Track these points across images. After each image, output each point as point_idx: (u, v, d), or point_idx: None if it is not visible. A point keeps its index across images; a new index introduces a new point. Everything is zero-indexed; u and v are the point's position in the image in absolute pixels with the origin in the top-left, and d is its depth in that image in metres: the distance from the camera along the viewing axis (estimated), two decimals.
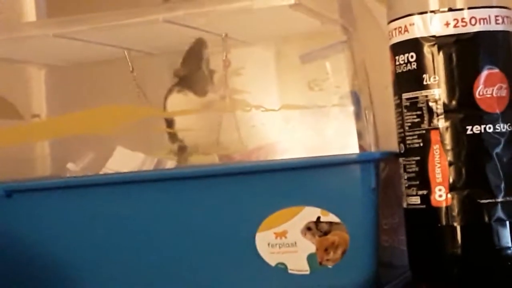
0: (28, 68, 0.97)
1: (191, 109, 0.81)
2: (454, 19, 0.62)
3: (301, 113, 0.76)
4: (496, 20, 0.63)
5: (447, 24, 0.63)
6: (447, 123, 0.63)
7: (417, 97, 0.64)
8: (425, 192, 0.63)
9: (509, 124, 0.63)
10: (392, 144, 0.68)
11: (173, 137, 0.84)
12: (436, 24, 0.63)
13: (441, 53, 0.63)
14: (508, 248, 0.62)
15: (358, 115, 0.73)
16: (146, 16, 0.77)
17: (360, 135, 0.71)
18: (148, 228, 0.71)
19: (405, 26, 0.64)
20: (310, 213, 0.66)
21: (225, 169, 0.71)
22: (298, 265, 0.67)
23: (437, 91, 0.63)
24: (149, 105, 0.87)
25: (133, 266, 0.71)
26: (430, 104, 0.63)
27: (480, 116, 0.62)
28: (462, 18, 0.62)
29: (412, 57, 0.64)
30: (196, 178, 0.69)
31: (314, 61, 0.82)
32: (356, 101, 0.74)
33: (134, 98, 0.89)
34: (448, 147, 0.63)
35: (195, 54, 0.82)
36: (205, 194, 0.69)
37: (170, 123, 0.84)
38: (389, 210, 0.69)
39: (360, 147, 0.70)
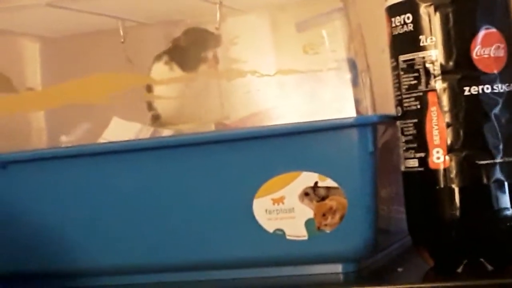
0: (22, 40, 0.96)
1: (180, 76, 0.81)
2: None
3: (296, 78, 0.75)
4: None
5: None
6: (445, 85, 0.62)
7: (413, 59, 0.63)
8: (423, 154, 0.63)
9: (507, 84, 0.62)
10: (389, 108, 0.67)
11: (149, 105, 0.83)
12: None
13: (437, 13, 0.62)
14: (507, 209, 0.62)
15: (354, 81, 0.73)
16: None
17: (357, 99, 0.71)
18: (144, 196, 0.70)
19: None
20: (308, 178, 0.66)
21: (221, 135, 0.70)
22: (296, 231, 0.66)
23: (434, 52, 0.62)
24: (140, 73, 0.86)
25: (129, 234, 0.71)
26: (427, 65, 0.62)
27: (478, 77, 0.62)
28: None
29: (408, 18, 0.63)
30: (192, 145, 0.69)
31: (310, 28, 0.81)
32: (353, 66, 0.74)
33: (128, 68, 0.88)
34: (446, 108, 0.62)
35: (200, 39, 0.82)
36: (201, 161, 0.68)
37: (149, 89, 0.83)
38: (388, 176, 0.69)
39: (357, 111, 0.69)
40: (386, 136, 0.67)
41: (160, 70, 0.82)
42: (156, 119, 0.80)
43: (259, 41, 0.85)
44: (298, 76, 0.76)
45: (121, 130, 0.83)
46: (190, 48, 0.84)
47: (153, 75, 0.82)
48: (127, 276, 0.72)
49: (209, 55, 0.83)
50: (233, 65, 0.84)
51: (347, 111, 0.70)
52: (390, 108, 0.67)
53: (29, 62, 0.96)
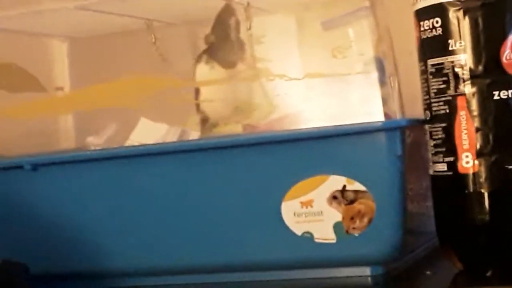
0: (51, 40, 0.97)
1: (215, 79, 0.81)
2: None
3: (324, 81, 0.75)
4: None
5: None
6: (474, 89, 0.62)
7: (442, 63, 0.63)
8: (452, 159, 0.63)
9: None
10: (417, 110, 0.67)
11: (197, 107, 0.84)
12: None
13: (467, 17, 0.62)
14: None
15: (382, 82, 0.73)
16: None
17: (385, 102, 0.71)
18: (173, 199, 0.71)
19: None
20: (336, 181, 0.66)
21: (250, 139, 0.70)
22: (324, 234, 0.67)
23: (463, 57, 0.62)
24: (174, 75, 0.87)
25: (158, 238, 0.71)
26: (456, 69, 0.62)
27: (507, 81, 0.61)
28: None
29: (437, 22, 0.63)
30: (221, 148, 0.69)
31: (337, 27, 0.81)
32: (381, 67, 0.74)
33: (157, 68, 0.89)
34: (475, 113, 0.62)
35: (222, 22, 0.82)
36: (230, 164, 0.69)
37: (196, 93, 0.84)
38: (415, 175, 0.69)
39: (385, 114, 0.69)
40: (414, 133, 0.67)
41: (202, 70, 0.82)
42: (204, 122, 0.81)
43: (286, 40, 0.85)
44: (326, 78, 0.76)
45: (148, 131, 0.83)
46: (221, 43, 0.84)
47: (199, 77, 0.82)
48: (156, 278, 0.73)
49: (243, 50, 0.83)
50: (260, 64, 0.84)
51: (375, 114, 0.70)
52: (418, 109, 0.67)
53: (58, 62, 0.97)
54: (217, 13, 0.81)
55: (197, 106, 0.84)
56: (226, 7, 0.81)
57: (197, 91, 0.84)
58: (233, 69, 0.83)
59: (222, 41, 0.82)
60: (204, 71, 0.82)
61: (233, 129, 0.79)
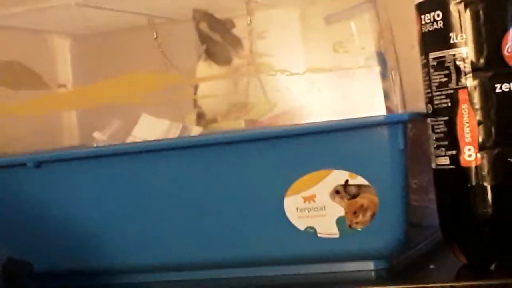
0: (53, 37, 0.97)
1: (215, 75, 0.81)
2: None
3: (326, 75, 0.75)
4: None
5: None
6: (475, 82, 0.62)
7: (444, 56, 0.63)
8: (454, 152, 0.63)
9: None
10: (419, 104, 0.67)
11: (194, 103, 0.84)
12: None
13: (468, 10, 0.62)
14: None
15: (384, 76, 0.73)
16: None
17: (386, 96, 0.71)
18: (176, 195, 0.71)
19: None
20: (338, 176, 0.66)
21: (252, 134, 0.70)
22: (327, 228, 0.67)
23: (464, 50, 0.62)
24: (175, 71, 0.87)
25: (161, 234, 0.72)
26: (458, 63, 0.62)
27: (509, 74, 0.61)
28: None
29: (438, 15, 0.63)
30: (224, 144, 0.69)
31: (339, 21, 0.81)
32: (382, 61, 0.73)
33: (159, 65, 0.89)
34: (477, 106, 0.62)
35: (216, 22, 0.82)
36: (232, 160, 0.69)
37: (195, 89, 0.84)
38: (418, 168, 0.68)
39: (387, 108, 0.69)
40: (416, 126, 0.67)
41: (201, 68, 0.82)
42: (200, 117, 0.81)
43: (288, 35, 0.85)
44: (328, 73, 0.75)
45: (150, 127, 0.83)
46: (215, 43, 0.84)
47: (198, 74, 0.82)
48: (161, 274, 0.73)
49: (240, 48, 0.83)
50: (261, 59, 0.84)
51: (377, 108, 0.70)
52: (420, 103, 0.67)
53: (60, 59, 0.97)
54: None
55: (195, 101, 0.84)
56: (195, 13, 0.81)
57: (195, 87, 0.84)
58: (230, 66, 0.83)
59: (215, 42, 0.82)
60: (203, 68, 0.82)
61: (235, 124, 0.79)
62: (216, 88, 0.83)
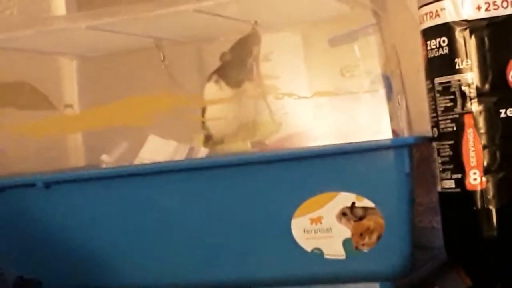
0: (60, 59, 0.98)
1: (223, 98, 0.82)
2: (486, 3, 0.62)
3: (332, 99, 0.76)
4: None
5: (479, 7, 0.62)
6: (481, 107, 0.63)
7: (449, 82, 0.64)
8: (459, 175, 0.64)
9: None
10: (425, 127, 0.68)
11: (202, 125, 0.84)
12: (467, 8, 0.63)
13: (473, 37, 0.63)
14: None
15: (390, 99, 0.73)
16: (176, 6, 0.78)
17: (392, 119, 0.71)
18: (184, 216, 0.72)
19: (436, 11, 0.64)
20: (345, 198, 0.67)
21: (260, 157, 0.71)
22: (334, 250, 0.68)
23: (469, 75, 0.63)
24: (182, 93, 0.88)
25: (168, 254, 0.72)
26: (463, 88, 0.63)
27: None
28: (494, 2, 0.62)
29: (444, 41, 0.64)
30: (232, 166, 0.70)
31: (343, 44, 0.82)
32: (388, 84, 0.74)
33: (165, 86, 0.89)
34: (482, 130, 0.63)
35: (244, 46, 0.82)
36: (240, 181, 0.70)
37: (203, 111, 0.84)
38: (424, 189, 0.69)
39: (393, 131, 0.70)
40: (423, 147, 0.68)
41: (211, 89, 0.83)
42: (208, 139, 0.82)
43: (293, 58, 0.86)
44: (333, 96, 0.76)
45: (157, 148, 0.84)
46: (235, 64, 0.85)
47: (206, 95, 0.83)
48: None
49: (252, 72, 0.84)
50: (267, 82, 0.85)
51: (383, 132, 0.70)
52: (425, 125, 0.68)
53: (67, 79, 0.98)
54: (242, 36, 0.82)
55: (202, 123, 0.84)
56: (254, 33, 0.81)
57: (203, 109, 0.85)
58: (240, 88, 0.84)
59: (236, 63, 0.83)
60: (213, 90, 0.83)
61: (242, 146, 0.80)
62: (224, 110, 0.84)
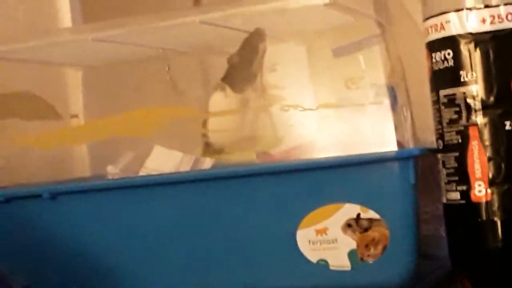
0: (66, 69, 0.98)
1: (227, 110, 0.82)
2: (491, 16, 0.63)
3: (337, 110, 0.77)
4: None
5: (484, 20, 0.63)
6: (486, 119, 0.63)
7: (454, 94, 0.64)
8: (464, 187, 0.64)
9: None
10: (430, 138, 0.68)
11: (203, 136, 0.85)
12: (472, 21, 0.63)
13: (478, 49, 0.63)
14: None
15: (395, 111, 0.74)
16: (181, 18, 0.78)
17: (397, 131, 0.72)
18: (188, 226, 0.72)
19: (441, 24, 0.64)
20: (350, 210, 0.67)
21: (265, 168, 0.72)
22: (339, 261, 0.68)
23: (474, 88, 0.63)
24: (186, 103, 0.88)
25: (172, 265, 0.73)
26: (468, 100, 0.64)
27: None
28: (499, 15, 0.63)
29: (449, 54, 0.64)
30: (237, 177, 0.70)
31: (347, 54, 0.82)
32: (393, 96, 0.75)
33: (170, 96, 0.90)
34: (487, 143, 0.63)
35: (250, 45, 0.82)
36: (245, 193, 0.70)
37: (204, 122, 0.85)
38: (429, 197, 0.69)
39: (398, 143, 0.70)
40: (427, 157, 0.68)
41: (217, 98, 0.83)
42: (208, 147, 0.82)
43: (297, 69, 0.86)
44: (338, 108, 0.77)
45: (163, 159, 0.84)
46: (243, 66, 0.85)
47: (212, 106, 0.83)
48: None
49: (256, 79, 0.84)
50: (273, 93, 0.85)
51: (388, 143, 0.71)
52: (430, 136, 0.68)
53: (72, 90, 0.99)
54: (247, 36, 0.82)
55: (203, 133, 0.85)
56: (257, 31, 0.81)
57: (204, 120, 0.85)
58: (243, 95, 0.84)
59: (244, 64, 0.83)
60: (218, 98, 0.83)
61: (247, 157, 0.80)
62: (226, 120, 0.84)
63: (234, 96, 0.83)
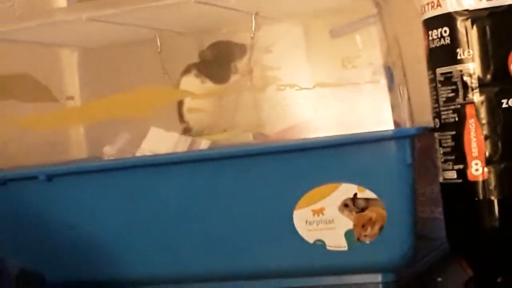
0: (61, 50, 0.98)
1: (218, 89, 0.82)
2: None
3: (334, 90, 0.76)
4: None
5: None
6: (482, 97, 0.63)
7: (451, 72, 0.64)
8: (461, 166, 0.64)
9: None
10: (426, 117, 0.68)
11: (180, 118, 0.85)
12: None
13: (474, 27, 0.63)
14: None
15: (391, 90, 0.73)
16: None
17: (394, 110, 0.71)
18: (186, 208, 0.72)
19: (438, 1, 0.64)
20: (347, 189, 0.67)
21: (262, 148, 0.71)
22: (336, 241, 0.68)
23: (471, 65, 0.63)
24: (173, 85, 0.88)
25: (170, 246, 0.72)
26: (465, 78, 0.63)
27: None
28: None
29: (445, 31, 0.64)
30: (233, 158, 0.70)
31: (345, 35, 0.82)
32: (390, 76, 0.74)
33: (163, 79, 0.89)
34: (484, 121, 0.63)
35: (226, 52, 0.83)
36: (242, 173, 0.70)
37: (180, 103, 0.84)
38: (427, 179, 0.69)
39: (395, 122, 0.70)
40: (425, 137, 0.68)
41: (191, 82, 0.83)
42: (187, 131, 0.82)
43: (294, 49, 0.86)
44: (335, 87, 0.76)
45: (159, 140, 0.84)
46: (218, 61, 0.85)
47: (183, 87, 0.83)
48: (169, 286, 0.74)
49: (241, 65, 0.84)
50: (267, 73, 0.84)
51: (385, 123, 0.70)
52: (426, 116, 0.68)
53: (68, 71, 0.98)
54: (223, 40, 0.82)
55: (180, 116, 0.84)
56: (238, 44, 0.82)
57: (180, 102, 0.85)
58: (227, 84, 0.84)
59: (218, 62, 0.83)
60: (193, 83, 0.83)
61: (243, 138, 0.80)
62: (205, 103, 0.84)
63: (212, 84, 0.83)
